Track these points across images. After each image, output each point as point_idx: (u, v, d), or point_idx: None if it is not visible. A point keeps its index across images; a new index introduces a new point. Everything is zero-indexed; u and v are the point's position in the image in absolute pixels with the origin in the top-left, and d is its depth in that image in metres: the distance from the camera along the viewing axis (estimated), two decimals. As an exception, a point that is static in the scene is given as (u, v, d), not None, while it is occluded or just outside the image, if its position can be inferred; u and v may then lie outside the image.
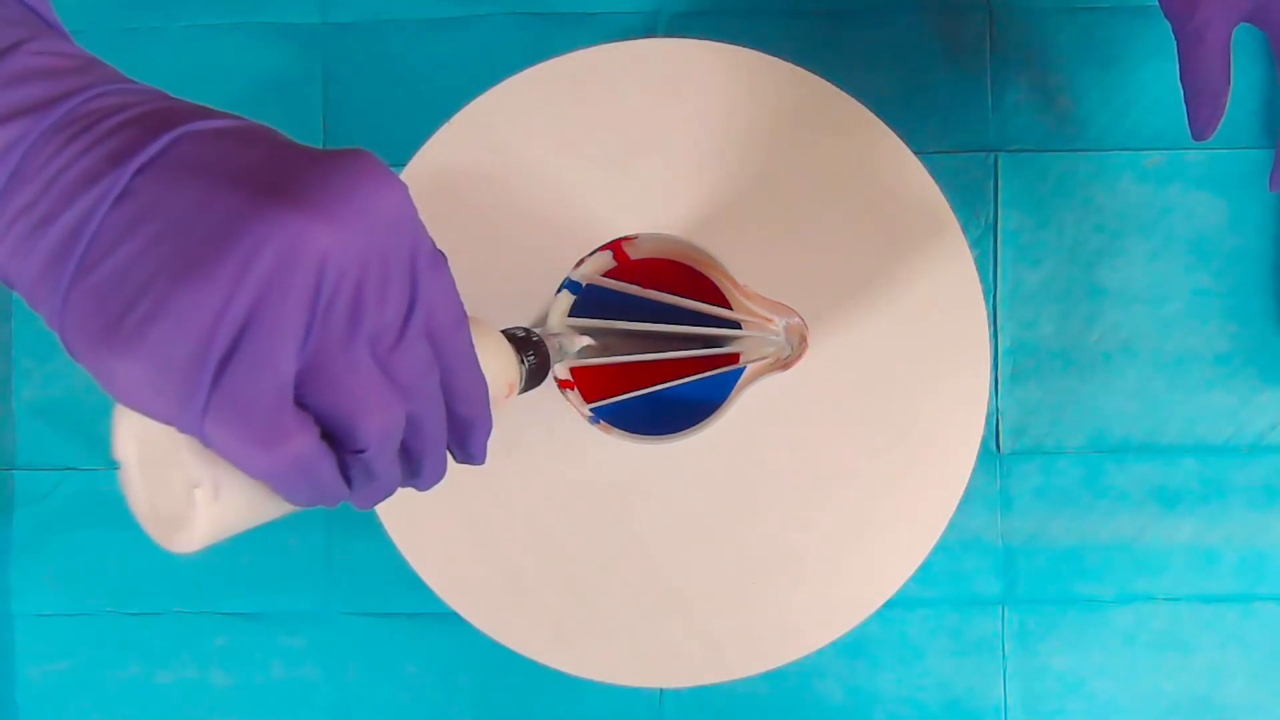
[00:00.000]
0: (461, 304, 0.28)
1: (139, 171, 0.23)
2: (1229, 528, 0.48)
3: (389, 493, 0.28)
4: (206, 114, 0.25)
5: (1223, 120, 0.40)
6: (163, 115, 0.24)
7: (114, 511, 0.49)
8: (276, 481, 0.24)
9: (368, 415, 0.25)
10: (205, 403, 0.23)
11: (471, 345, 0.28)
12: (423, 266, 0.26)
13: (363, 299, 0.24)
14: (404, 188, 0.25)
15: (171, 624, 0.49)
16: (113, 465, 0.50)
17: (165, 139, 0.24)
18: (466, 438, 0.30)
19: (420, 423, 0.27)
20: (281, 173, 0.23)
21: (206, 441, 0.23)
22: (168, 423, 0.23)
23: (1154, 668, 0.48)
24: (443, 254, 0.27)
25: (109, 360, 0.23)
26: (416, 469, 0.29)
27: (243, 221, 0.22)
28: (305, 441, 0.24)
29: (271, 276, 0.22)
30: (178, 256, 0.22)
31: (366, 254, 0.24)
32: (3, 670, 0.50)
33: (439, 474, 0.29)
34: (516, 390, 0.35)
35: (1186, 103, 0.40)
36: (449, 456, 0.30)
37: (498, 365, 0.33)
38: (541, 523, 0.47)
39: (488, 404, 0.30)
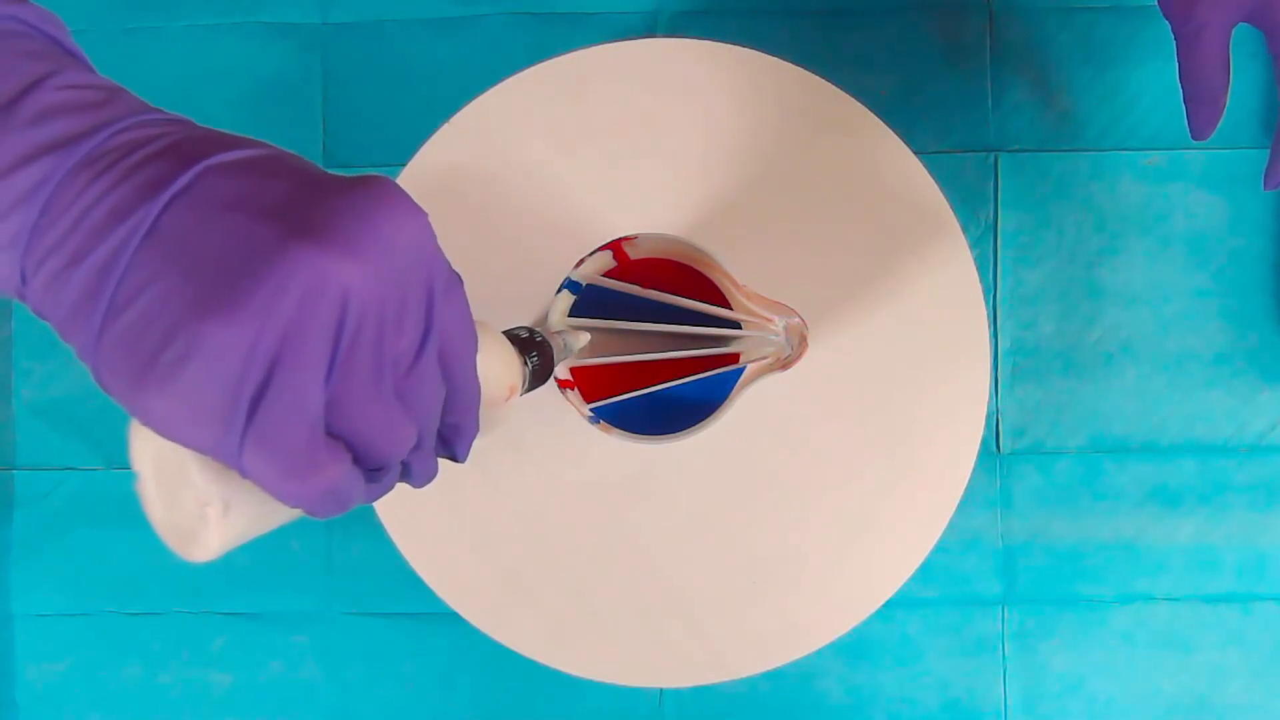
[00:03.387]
0: (473, 326, 0.28)
1: (165, 208, 0.23)
2: (1229, 528, 0.48)
3: (387, 493, 0.29)
4: (230, 144, 0.25)
5: (1222, 120, 0.40)
6: (187, 148, 0.24)
7: (114, 511, 0.49)
8: (310, 507, 0.25)
9: (387, 441, 0.25)
10: (241, 439, 0.23)
11: (475, 363, 0.29)
12: (439, 293, 0.26)
13: (384, 330, 0.24)
14: (424, 217, 0.25)
15: (171, 624, 0.49)
16: (113, 465, 0.50)
17: (190, 174, 0.24)
18: (453, 443, 0.30)
19: (423, 435, 0.28)
20: (305, 207, 0.24)
21: (244, 473, 0.24)
22: (205, 454, 0.24)
23: (1154, 668, 0.48)
24: (458, 276, 0.27)
25: (145, 398, 0.23)
26: (408, 471, 0.29)
27: (268, 260, 0.23)
28: (339, 471, 0.25)
29: (297, 314, 0.23)
30: (207, 296, 0.22)
31: (387, 286, 0.24)
32: (3, 670, 0.50)
33: (431, 474, 0.30)
34: (519, 392, 0.35)
35: (1185, 103, 0.40)
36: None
37: (498, 368, 0.33)
38: (541, 523, 0.47)
39: (476, 413, 0.30)
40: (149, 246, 0.23)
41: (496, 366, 0.33)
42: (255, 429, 0.23)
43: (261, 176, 0.24)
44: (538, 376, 0.36)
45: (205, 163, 0.24)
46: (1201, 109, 0.40)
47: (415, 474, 0.29)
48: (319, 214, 0.23)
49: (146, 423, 0.23)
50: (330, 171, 0.25)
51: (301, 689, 0.49)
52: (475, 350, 0.28)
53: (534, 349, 0.36)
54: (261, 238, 0.23)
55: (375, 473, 0.27)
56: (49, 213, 0.24)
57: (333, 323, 0.23)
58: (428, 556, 0.46)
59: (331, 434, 0.25)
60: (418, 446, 0.28)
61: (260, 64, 0.50)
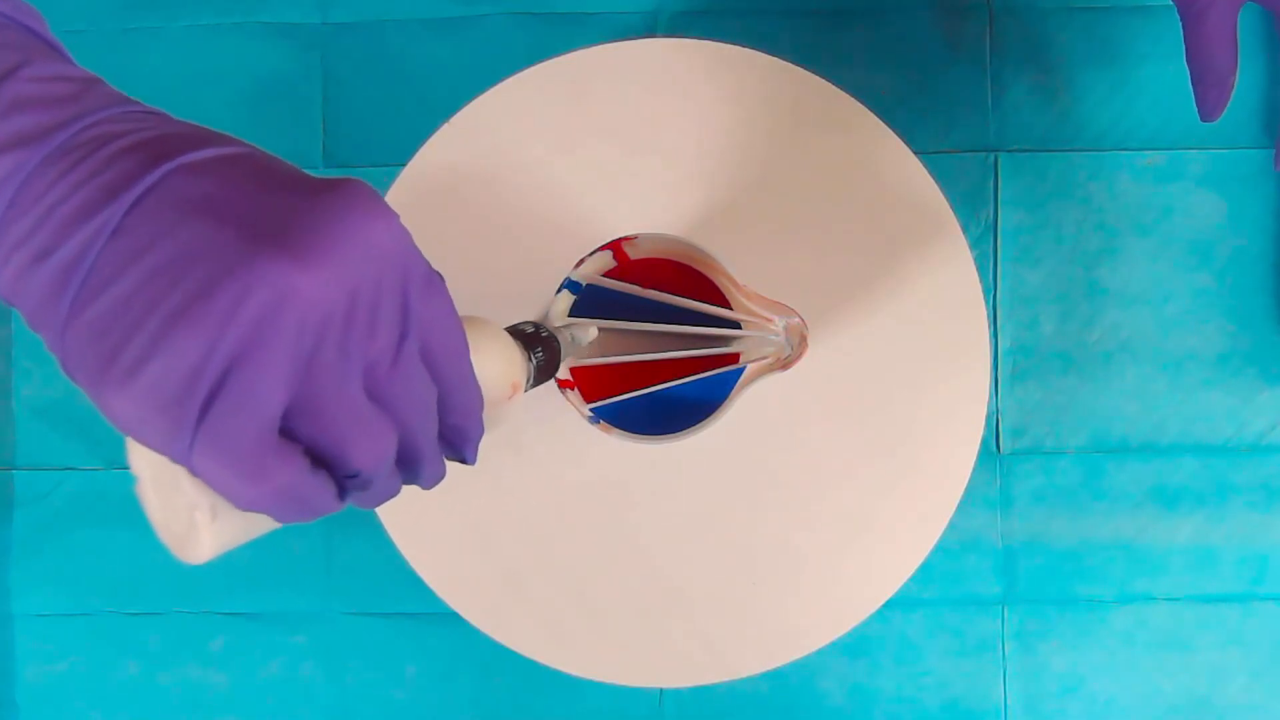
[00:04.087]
0: (459, 324, 0.28)
1: (134, 206, 0.23)
2: (1229, 528, 0.48)
3: (390, 498, 0.29)
4: (203, 141, 0.25)
5: (1227, 113, 0.40)
6: (159, 144, 0.24)
7: (114, 511, 0.49)
8: (263, 510, 0.25)
9: (355, 445, 0.25)
10: (191, 440, 0.23)
11: (468, 362, 0.29)
12: (415, 294, 0.26)
13: (351, 334, 0.24)
14: (394, 219, 0.25)
15: (171, 624, 0.49)
16: (113, 465, 0.50)
17: (158, 172, 0.24)
18: (458, 444, 0.30)
19: (417, 438, 0.28)
20: (272, 211, 0.24)
21: (196, 474, 0.24)
22: (161, 454, 0.24)
23: (1154, 668, 0.48)
24: (439, 276, 0.27)
25: (105, 396, 0.23)
26: (414, 475, 0.29)
27: (231, 267, 0.23)
28: (288, 474, 0.24)
29: (257, 322, 0.23)
30: (168, 299, 0.23)
31: (354, 291, 0.24)
32: (3, 670, 0.50)
33: (438, 476, 0.30)
34: (523, 389, 0.35)
35: (1194, 85, 0.39)
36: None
37: (500, 367, 0.33)
38: (541, 523, 0.47)
39: (480, 414, 0.30)
40: (114, 245, 0.23)
41: (499, 364, 0.33)
42: (205, 431, 0.23)
43: (230, 178, 0.24)
44: (543, 372, 0.36)
45: (175, 161, 0.24)
46: (1210, 90, 0.39)
47: (423, 477, 0.29)
48: (285, 219, 0.23)
49: (109, 419, 0.24)
50: (304, 172, 0.25)
51: (301, 689, 0.49)
52: (465, 348, 0.28)
53: (539, 344, 0.36)
54: (224, 243, 0.23)
55: (352, 479, 0.26)
56: (17, 205, 0.24)
57: (292, 330, 0.23)
58: (428, 556, 0.47)
59: (297, 439, 0.25)
60: (413, 449, 0.28)
61: (260, 64, 0.50)
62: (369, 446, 0.26)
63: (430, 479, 0.30)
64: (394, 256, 0.25)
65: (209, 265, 0.23)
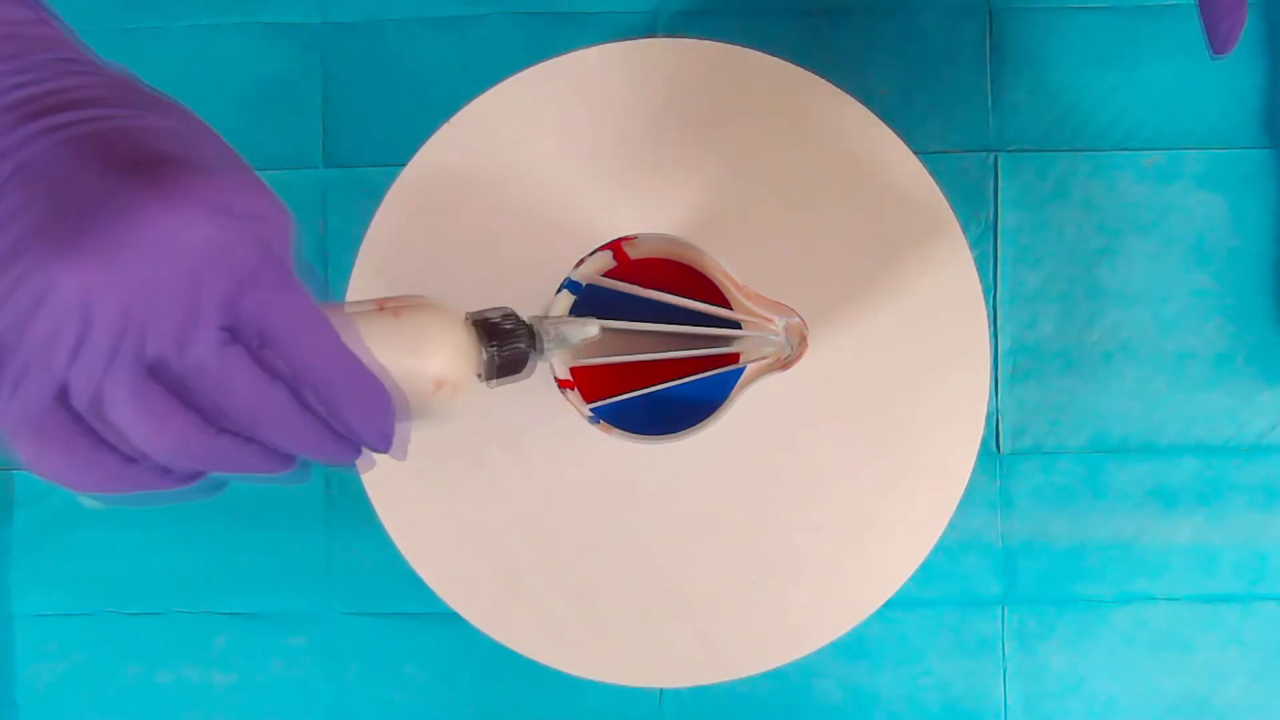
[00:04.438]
0: (309, 314, 0.27)
1: None
2: (1229, 528, 0.48)
3: (268, 480, 0.29)
4: (78, 104, 0.26)
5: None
6: (38, 103, 0.26)
7: (114, 511, 0.49)
8: (44, 476, 0.26)
9: (151, 430, 0.26)
10: None
11: (332, 351, 0.27)
12: (241, 287, 0.26)
13: (147, 328, 0.25)
14: (205, 210, 0.25)
15: (171, 624, 0.49)
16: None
17: (20, 133, 0.25)
18: (365, 440, 0.29)
19: (265, 431, 0.27)
20: (84, 197, 0.24)
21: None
22: None
23: (1154, 668, 0.48)
24: (280, 264, 0.27)
25: None
26: (306, 462, 0.29)
27: (20, 249, 0.24)
28: (69, 446, 0.25)
29: (26, 311, 0.24)
30: None
31: (147, 286, 0.25)
32: (3, 670, 0.50)
33: (338, 460, 0.29)
34: (463, 385, 0.32)
35: (1204, 16, 0.37)
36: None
37: (420, 362, 0.31)
38: (541, 523, 0.47)
39: (378, 406, 0.29)
40: None
41: (419, 360, 0.31)
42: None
43: (74, 150, 0.25)
44: (506, 368, 0.34)
45: (39, 123, 0.25)
46: (1222, 19, 0.36)
47: (322, 462, 0.29)
48: (87, 207, 0.24)
49: None
50: (165, 146, 0.26)
51: (301, 689, 0.49)
52: (324, 338, 0.27)
53: (498, 337, 0.33)
54: (28, 223, 0.24)
55: (150, 460, 0.27)
56: None
57: (58, 321, 0.24)
58: (428, 556, 0.46)
59: (109, 420, 0.25)
60: (288, 444, 0.28)
61: (260, 64, 0.50)
62: (162, 433, 0.26)
63: (332, 462, 0.29)
64: (201, 249, 0.25)
65: (7, 242, 0.24)
